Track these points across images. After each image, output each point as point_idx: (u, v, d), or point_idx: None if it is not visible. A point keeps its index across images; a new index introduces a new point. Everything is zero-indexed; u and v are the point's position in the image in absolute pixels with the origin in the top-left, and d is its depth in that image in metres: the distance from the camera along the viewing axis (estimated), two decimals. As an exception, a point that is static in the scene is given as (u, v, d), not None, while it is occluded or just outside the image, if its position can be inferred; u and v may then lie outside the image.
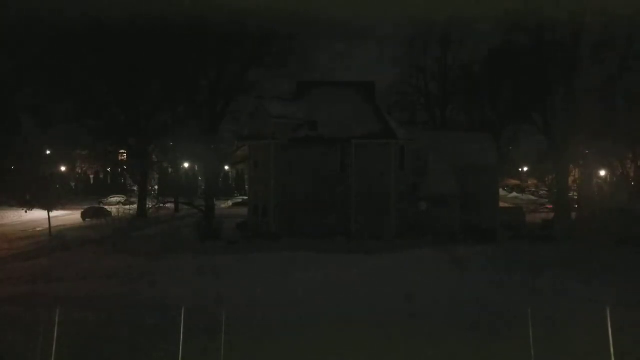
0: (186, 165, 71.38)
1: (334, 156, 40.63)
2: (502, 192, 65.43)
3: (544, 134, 51.95)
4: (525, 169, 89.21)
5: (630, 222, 38.55)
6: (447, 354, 16.37)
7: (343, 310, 20.98)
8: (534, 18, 47.20)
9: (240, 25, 48.32)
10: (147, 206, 53.11)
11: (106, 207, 59.37)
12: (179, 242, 38.23)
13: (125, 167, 72.85)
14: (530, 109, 51.92)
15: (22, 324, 19.60)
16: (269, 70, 50.16)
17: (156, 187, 73.04)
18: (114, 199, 72.61)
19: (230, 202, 72.75)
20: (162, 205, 49.19)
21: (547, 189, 64.99)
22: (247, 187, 63.75)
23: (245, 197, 62.44)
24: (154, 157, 60.14)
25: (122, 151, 65.18)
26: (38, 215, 47.02)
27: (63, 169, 66.47)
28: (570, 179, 55.45)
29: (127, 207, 59.87)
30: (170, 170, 71.08)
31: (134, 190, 72.16)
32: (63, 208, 48.61)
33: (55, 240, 39.33)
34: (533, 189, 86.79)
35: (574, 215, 49.69)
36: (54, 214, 43.99)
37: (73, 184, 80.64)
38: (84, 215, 54.18)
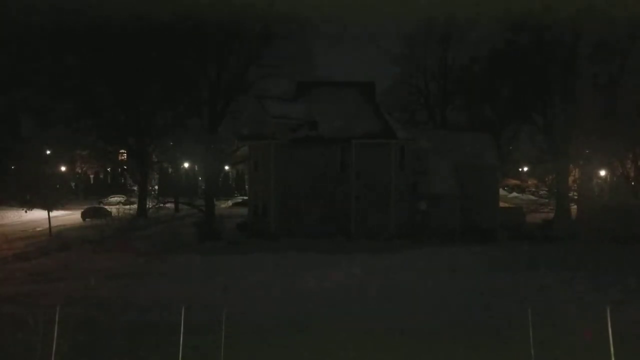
0: (186, 165, 71.42)
1: (334, 156, 40.65)
2: (502, 192, 65.46)
3: (544, 134, 51.96)
4: (525, 169, 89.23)
5: (630, 222, 38.55)
6: (447, 354, 16.36)
7: (343, 310, 20.97)
8: (534, 18, 47.21)
9: (240, 25, 48.36)
10: (147, 206, 53.18)
11: (106, 207, 59.42)
12: (179, 242, 38.24)
13: (125, 167, 72.92)
14: (530, 109, 51.96)
15: (21, 323, 19.59)
16: (269, 70, 50.25)
17: (156, 187, 73.19)
18: (114, 199, 72.67)
19: (230, 202, 72.78)
20: (162, 205, 49.30)
21: (547, 189, 65.02)
22: (247, 187, 63.77)
23: (245, 197, 62.47)
24: (154, 157, 60.18)
25: (122, 151, 65.20)
26: (38, 215, 47.02)
27: (63, 169, 66.46)
28: (570, 179, 55.46)
29: (127, 207, 59.92)
30: (170, 170, 71.21)
31: (134, 190, 72.23)
32: (63, 208, 48.63)
33: (55, 240, 39.33)
34: (533, 189, 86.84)
35: (574, 215, 49.73)
36: (54, 214, 43.99)
37: (73, 184, 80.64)
38: (84, 215, 54.21)
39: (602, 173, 57.64)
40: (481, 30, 58.23)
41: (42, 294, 23.37)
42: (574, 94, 48.41)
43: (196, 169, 74.76)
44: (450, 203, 40.99)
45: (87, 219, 52.46)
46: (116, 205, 61.32)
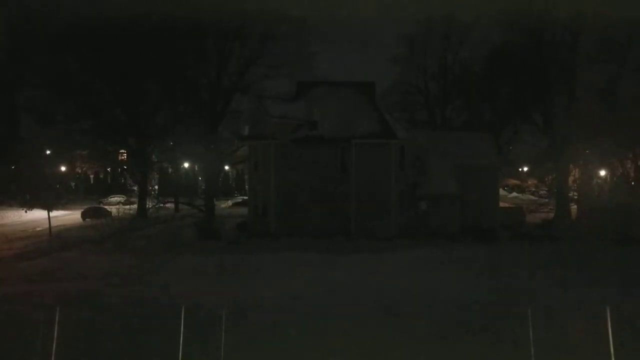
0: (186, 165, 71.41)
1: (334, 156, 40.63)
2: (502, 192, 65.42)
3: (544, 134, 51.94)
4: (525, 169, 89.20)
5: (630, 222, 38.54)
6: (447, 354, 16.36)
7: (343, 310, 20.97)
8: (534, 18, 47.21)
9: (240, 24, 48.36)
10: (147, 206, 53.15)
11: (106, 207, 59.40)
12: (179, 242, 38.25)
13: (125, 167, 72.87)
14: (530, 109, 51.94)
15: (21, 323, 19.58)
16: (269, 70, 50.24)
17: (156, 187, 73.18)
18: (114, 198, 72.64)
19: (230, 202, 72.75)
20: (162, 205, 49.27)
21: (547, 189, 65.00)
22: (247, 187, 63.74)
23: (245, 197, 62.44)
24: (154, 157, 60.16)
25: (122, 151, 65.17)
26: (38, 215, 47.00)
27: (63, 169, 66.42)
28: (570, 179, 55.45)
29: (127, 207, 59.90)
30: (170, 170, 71.18)
31: (134, 190, 72.20)
32: (63, 208, 48.60)
33: (55, 240, 39.31)
34: (533, 189, 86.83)
35: (574, 215, 49.72)
36: (54, 214, 43.97)
37: (73, 184, 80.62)
38: (83, 215, 54.19)
39: (602, 173, 57.63)
40: (481, 30, 58.18)
41: (42, 294, 23.36)
42: (574, 94, 48.40)
43: (196, 169, 74.73)
44: (450, 203, 40.98)
45: (87, 219, 52.42)
46: (116, 205, 61.30)
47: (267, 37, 49.01)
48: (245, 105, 46.30)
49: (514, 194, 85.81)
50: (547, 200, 59.90)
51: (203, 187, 59.94)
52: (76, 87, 51.37)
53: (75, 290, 24.05)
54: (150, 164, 59.80)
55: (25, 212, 44.99)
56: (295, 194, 40.39)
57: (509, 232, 40.77)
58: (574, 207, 51.48)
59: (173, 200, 53.51)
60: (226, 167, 79.36)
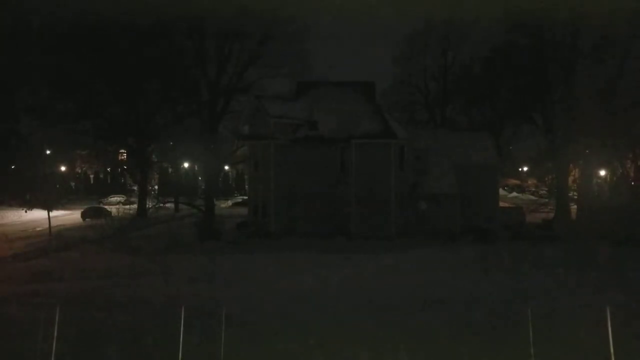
0: (186, 165, 71.41)
1: (333, 156, 40.64)
2: (502, 192, 65.43)
3: (544, 134, 51.92)
4: (525, 169, 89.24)
5: (630, 222, 38.51)
6: (448, 354, 16.36)
7: (343, 310, 20.98)
8: (534, 18, 47.17)
9: (240, 24, 48.35)
10: (147, 206, 53.15)
11: (106, 207, 59.37)
12: (179, 242, 38.21)
13: (125, 167, 72.88)
14: (530, 109, 51.90)
15: (21, 323, 19.59)
16: (268, 70, 50.22)
17: (156, 187, 73.18)
18: (114, 198, 72.62)
19: (230, 202, 72.75)
20: (162, 205, 49.20)
21: (547, 189, 64.97)
22: (247, 187, 63.75)
23: (245, 197, 62.45)
24: (154, 157, 60.16)
25: (122, 151, 65.19)
26: (38, 215, 47.01)
27: (63, 169, 66.45)
28: (570, 179, 55.43)
29: (127, 207, 59.90)
30: (170, 170, 71.19)
31: (134, 190, 72.20)
32: (63, 208, 48.58)
33: (55, 240, 39.30)
34: (533, 189, 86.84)
35: (574, 215, 49.69)
36: (53, 213, 43.96)
37: (73, 184, 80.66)
38: (83, 215, 54.18)
39: (602, 173, 57.62)
40: (481, 30, 58.21)
41: (42, 294, 23.37)
42: (573, 94, 48.35)
43: (196, 169, 74.74)
44: (450, 203, 40.98)
45: (87, 219, 52.41)
46: (116, 205, 61.26)
47: (266, 37, 49.01)
48: (245, 105, 46.23)
49: (514, 194, 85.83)
50: (547, 200, 59.82)
51: (203, 187, 59.90)
52: (76, 87, 51.37)
53: (75, 290, 24.05)
54: (150, 164, 59.82)
55: (25, 212, 45.00)
56: (295, 194, 40.39)
57: (509, 232, 40.75)
58: (574, 207, 51.45)
59: (173, 200, 53.47)
60: (226, 167, 79.39)
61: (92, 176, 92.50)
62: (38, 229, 46.21)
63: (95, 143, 58.05)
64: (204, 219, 44.85)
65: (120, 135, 55.59)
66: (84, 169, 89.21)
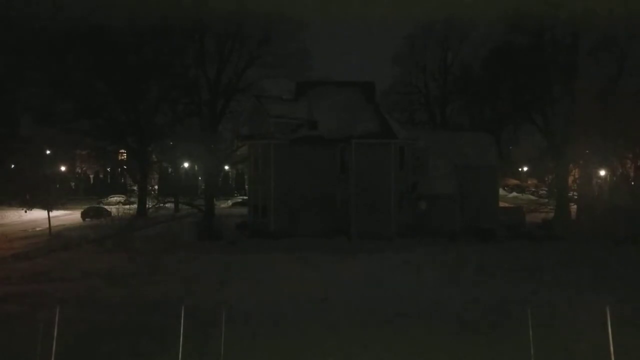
0: (186, 165, 71.40)
1: (333, 156, 40.66)
2: (502, 192, 65.41)
3: (544, 134, 51.93)
4: (525, 169, 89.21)
5: (630, 222, 38.53)
6: (447, 354, 16.37)
7: (343, 310, 20.98)
8: (534, 18, 47.17)
9: (239, 25, 48.38)
10: (147, 206, 53.14)
11: (106, 207, 59.34)
12: (179, 242, 38.22)
13: (125, 167, 72.87)
14: (530, 109, 51.89)
15: (21, 323, 19.60)
16: (268, 70, 50.27)
17: (156, 187, 73.14)
18: (114, 198, 72.57)
19: (230, 202, 72.73)
20: (162, 205, 49.23)
21: (547, 189, 64.93)
22: (247, 187, 63.73)
23: (245, 197, 62.43)
24: (153, 157, 60.15)
25: (122, 151, 65.19)
26: (38, 215, 47.00)
27: (63, 169, 66.46)
28: (570, 179, 55.41)
29: (127, 207, 59.86)
30: (170, 170, 71.18)
31: (134, 190, 72.16)
32: (63, 208, 48.57)
33: (55, 240, 39.31)
34: (533, 189, 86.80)
35: (574, 215, 49.68)
36: (53, 213, 43.98)
37: (73, 184, 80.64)
38: (83, 215, 54.17)
39: (602, 173, 57.59)
40: (481, 30, 58.22)
41: (42, 294, 23.38)
42: (574, 94, 48.34)
43: (196, 169, 74.72)
44: (450, 203, 40.98)
45: (87, 219, 52.41)
46: (116, 205, 61.21)
47: (266, 38, 49.05)
48: (244, 105, 46.25)
49: (514, 194, 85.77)
50: (547, 200, 59.82)
51: (203, 187, 59.90)
52: (76, 87, 51.38)
53: (75, 290, 24.06)
54: (150, 164, 59.79)
55: (25, 212, 45.00)
56: (295, 194, 40.39)
57: (508, 231, 40.76)
58: (574, 207, 51.45)
59: (173, 200, 53.47)
60: (226, 167, 79.34)
61: (92, 176, 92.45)
62: (38, 229, 46.19)
63: (95, 143, 58.03)
64: (204, 219, 44.88)
65: (120, 135, 55.57)
66: (84, 169, 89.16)
